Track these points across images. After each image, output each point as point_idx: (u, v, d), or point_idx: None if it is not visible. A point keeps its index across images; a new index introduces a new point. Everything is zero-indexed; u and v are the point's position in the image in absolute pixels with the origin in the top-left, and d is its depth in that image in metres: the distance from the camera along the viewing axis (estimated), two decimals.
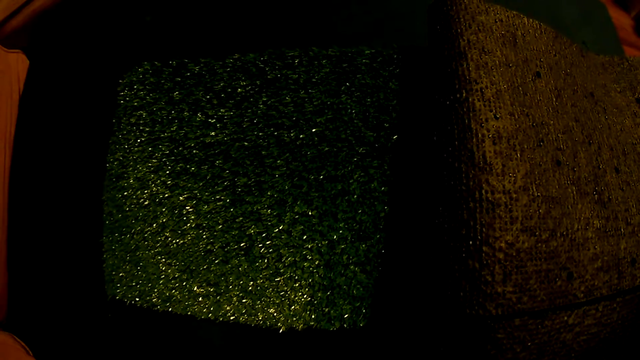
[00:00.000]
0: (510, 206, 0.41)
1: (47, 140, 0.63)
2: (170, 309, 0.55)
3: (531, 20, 0.53)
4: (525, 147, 0.44)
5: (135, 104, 0.60)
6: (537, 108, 0.47)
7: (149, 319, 0.56)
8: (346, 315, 0.50)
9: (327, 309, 0.50)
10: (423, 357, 0.48)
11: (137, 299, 0.57)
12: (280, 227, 0.52)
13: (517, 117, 0.44)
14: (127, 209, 0.58)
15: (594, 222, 0.46)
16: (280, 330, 0.51)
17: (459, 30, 0.47)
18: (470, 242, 0.40)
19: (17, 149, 0.62)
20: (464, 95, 0.43)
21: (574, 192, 0.46)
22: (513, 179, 0.41)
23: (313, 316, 0.50)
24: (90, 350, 0.59)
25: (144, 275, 0.57)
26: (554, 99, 0.50)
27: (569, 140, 0.49)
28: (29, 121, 0.63)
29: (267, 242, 0.52)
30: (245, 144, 0.54)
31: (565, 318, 0.43)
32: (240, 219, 0.53)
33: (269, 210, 0.53)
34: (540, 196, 0.43)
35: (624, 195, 0.50)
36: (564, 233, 0.43)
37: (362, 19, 0.59)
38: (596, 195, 0.48)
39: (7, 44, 0.63)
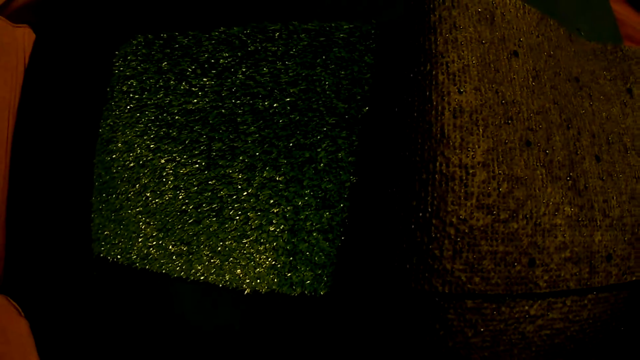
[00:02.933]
0: (465, 181, 0.40)
1: (48, 109, 0.68)
2: (147, 267, 0.58)
3: (514, 0, 0.51)
4: (490, 123, 0.43)
5: (128, 73, 0.64)
6: (509, 86, 0.46)
7: (129, 276, 0.60)
8: (307, 282, 0.51)
9: (289, 274, 0.52)
10: (378, 329, 0.48)
11: (119, 257, 0.60)
12: (249, 191, 0.54)
13: (483, 92, 0.44)
14: (115, 170, 0.62)
15: (565, 208, 0.44)
16: (245, 292, 0.53)
17: (431, 5, 0.47)
18: (420, 214, 0.40)
19: (20, 117, 0.67)
20: (427, 68, 0.43)
21: (544, 175, 0.44)
22: (472, 153, 0.41)
23: (275, 280, 0.52)
24: (76, 307, 0.62)
25: (125, 234, 0.60)
26: (531, 79, 0.49)
27: (544, 122, 0.47)
28: (32, 91, 0.68)
29: (236, 205, 0.55)
30: (223, 111, 0.57)
31: (526, 307, 0.42)
32: (214, 181, 0.56)
33: (239, 175, 0.55)
34: (502, 174, 0.41)
35: (603, 186, 0.48)
36: (528, 216, 0.41)
37: None
38: (570, 182, 0.46)
39: (15, 19, 0.68)
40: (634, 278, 0.45)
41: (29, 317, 0.61)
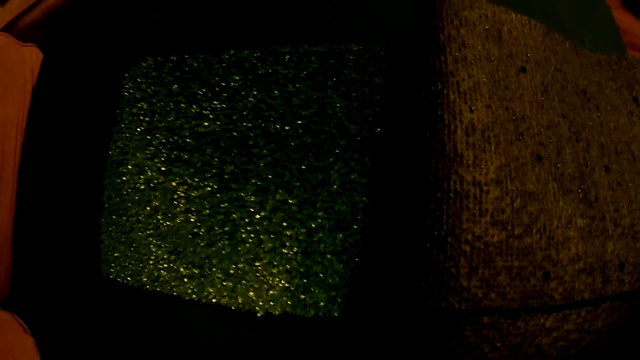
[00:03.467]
0: (479, 198, 0.40)
1: (56, 129, 0.68)
2: (158, 289, 0.58)
3: (520, 16, 0.52)
4: (502, 140, 0.43)
5: (138, 96, 0.64)
6: (518, 102, 0.47)
7: (139, 298, 0.60)
8: (321, 304, 0.51)
9: (303, 296, 0.51)
10: (394, 349, 0.48)
11: (129, 279, 0.60)
12: (262, 214, 0.54)
13: (494, 109, 0.44)
14: (125, 192, 0.62)
15: (577, 220, 0.44)
16: (258, 315, 0.53)
17: (440, 25, 0.48)
18: (436, 233, 0.40)
19: (28, 137, 0.68)
20: (439, 87, 0.44)
21: (555, 189, 0.45)
22: (485, 170, 0.41)
23: (289, 302, 0.51)
24: (84, 328, 0.62)
25: (136, 256, 0.60)
26: (539, 94, 0.49)
27: (553, 136, 0.48)
28: (40, 111, 0.68)
29: (249, 228, 0.54)
30: (235, 134, 0.57)
31: (542, 321, 0.41)
32: (226, 204, 0.56)
33: (252, 197, 0.55)
34: (515, 190, 0.42)
35: (613, 195, 0.48)
36: (541, 230, 0.42)
37: (353, 17, 0.61)
38: (581, 194, 0.46)
39: (22, 38, 0.69)
40: None
41: (35, 334, 0.60)
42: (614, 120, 0.54)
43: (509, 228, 0.40)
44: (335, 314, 0.50)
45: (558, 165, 0.47)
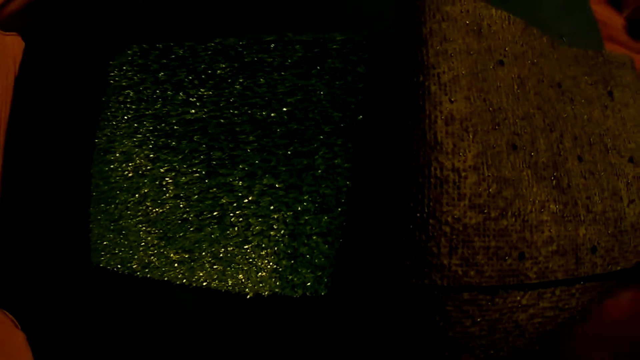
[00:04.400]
0: (458, 183, 0.43)
1: (40, 118, 0.68)
2: (148, 275, 0.59)
3: (500, 11, 0.54)
4: (479, 129, 0.46)
5: (124, 83, 0.64)
6: (495, 94, 0.49)
7: (130, 285, 0.60)
8: (308, 284, 0.53)
9: (290, 277, 0.53)
10: (379, 327, 0.50)
11: (119, 266, 0.61)
12: (250, 198, 0.56)
13: (472, 101, 0.46)
14: (113, 180, 0.62)
15: (551, 206, 0.47)
16: (248, 296, 0.55)
17: (422, 19, 0.49)
18: (418, 215, 0.42)
19: (11, 127, 0.67)
20: (420, 79, 0.46)
21: (529, 176, 0.48)
22: (463, 158, 0.43)
23: (278, 283, 0.54)
24: (76, 319, 0.62)
25: (125, 243, 0.61)
26: (516, 87, 0.52)
27: (529, 127, 0.50)
28: (24, 100, 0.67)
29: (238, 212, 0.56)
30: (222, 121, 0.58)
31: (518, 298, 0.45)
32: (214, 189, 0.57)
33: (240, 182, 0.56)
34: (492, 176, 0.44)
35: (586, 184, 0.51)
36: (516, 213, 0.44)
37: (338, 7, 0.62)
38: (554, 181, 0.49)
39: (4, 27, 0.67)
40: (618, 268, 0.48)
41: (25, 329, 0.60)
42: (588, 113, 0.57)
43: (485, 211, 0.43)
44: (322, 294, 0.52)
45: (532, 154, 0.49)
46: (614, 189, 0.52)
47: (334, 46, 0.58)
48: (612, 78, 0.62)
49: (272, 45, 0.59)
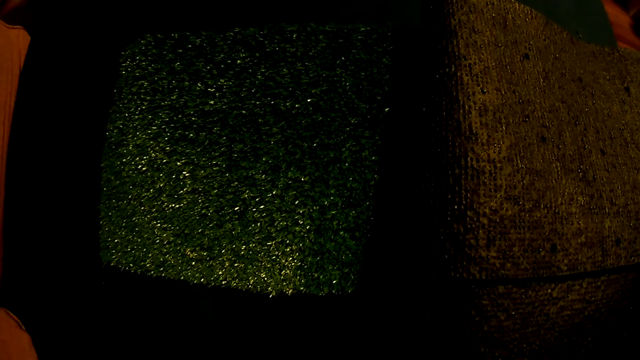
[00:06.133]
0: (494, 174, 0.42)
1: (46, 112, 0.64)
2: (163, 274, 0.56)
3: (522, 5, 0.54)
4: (511, 121, 0.45)
5: (137, 74, 0.62)
6: (523, 86, 0.49)
7: (143, 285, 0.58)
8: (335, 281, 0.51)
9: (316, 274, 0.51)
10: (410, 323, 0.49)
11: (132, 265, 0.58)
12: (274, 192, 0.54)
13: (503, 92, 0.46)
14: (125, 175, 0.60)
15: (578, 198, 0.47)
16: (271, 295, 0.53)
17: (450, 10, 0.49)
18: (455, 207, 0.41)
19: (16, 122, 0.64)
20: (452, 69, 0.45)
21: (558, 168, 0.48)
22: (498, 149, 0.43)
23: (303, 281, 0.52)
24: (83, 320, 0.59)
25: (139, 240, 0.58)
26: (541, 80, 0.52)
27: (555, 119, 0.50)
28: (29, 94, 0.64)
29: (261, 207, 0.54)
30: (243, 112, 0.56)
31: (549, 290, 0.44)
32: (235, 183, 0.55)
33: (263, 176, 0.54)
34: (524, 168, 0.44)
35: (609, 177, 0.52)
36: (548, 205, 0.44)
37: None
38: (581, 174, 0.49)
39: (9, 20, 0.65)
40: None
41: (30, 330, 0.57)
42: (608, 107, 0.58)
43: (520, 202, 0.42)
44: (349, 291, 0.51)
45: (560, 146, 0.49)
46: (634, 182, 0.53)
47: (359, 37, 0.56)
48: (628, 74, 0.63)
49: (295, 35, 0.57)
